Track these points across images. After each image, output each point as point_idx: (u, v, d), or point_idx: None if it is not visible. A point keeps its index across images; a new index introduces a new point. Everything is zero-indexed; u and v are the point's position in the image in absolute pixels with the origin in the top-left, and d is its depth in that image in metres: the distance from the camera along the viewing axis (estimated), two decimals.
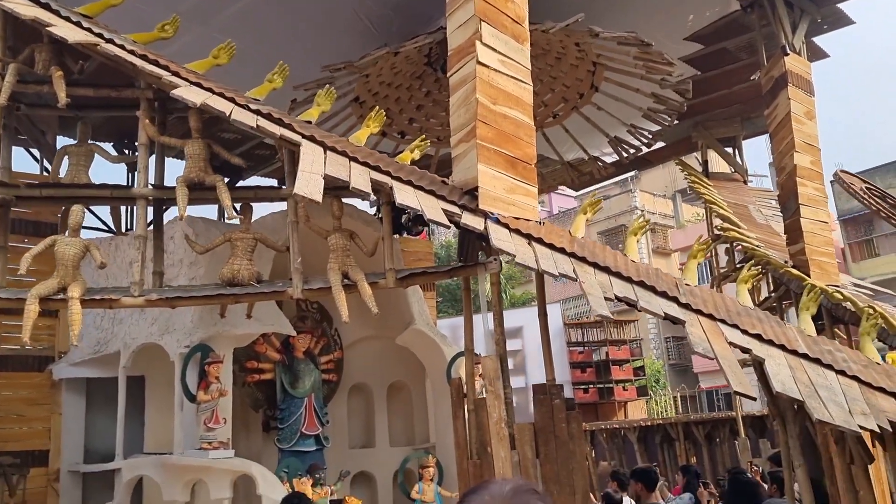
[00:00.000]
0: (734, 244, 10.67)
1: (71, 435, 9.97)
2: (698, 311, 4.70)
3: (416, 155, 5.73)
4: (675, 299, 4.74)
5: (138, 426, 9.65)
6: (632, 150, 10.35)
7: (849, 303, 7.50)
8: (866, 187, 8.41)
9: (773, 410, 5.17)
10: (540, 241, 4.85)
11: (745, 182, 12.67)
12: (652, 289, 4.76)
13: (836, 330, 7.87)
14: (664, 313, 4.49)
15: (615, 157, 11.38)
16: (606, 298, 4.40)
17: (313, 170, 4.25)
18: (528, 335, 15.45)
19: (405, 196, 4.52)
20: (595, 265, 4.83)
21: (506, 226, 4.87)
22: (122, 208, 7.83)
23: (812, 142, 8.95)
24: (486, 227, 4.72)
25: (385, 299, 11.41)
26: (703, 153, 12.87)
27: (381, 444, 11.43)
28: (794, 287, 8.46)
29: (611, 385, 17.02)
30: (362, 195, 4.39)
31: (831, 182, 11.86)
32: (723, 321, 4.70)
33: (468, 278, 5.52)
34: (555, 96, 9.53)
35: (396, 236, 12.61)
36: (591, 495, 7.15)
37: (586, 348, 17.51)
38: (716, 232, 11.60)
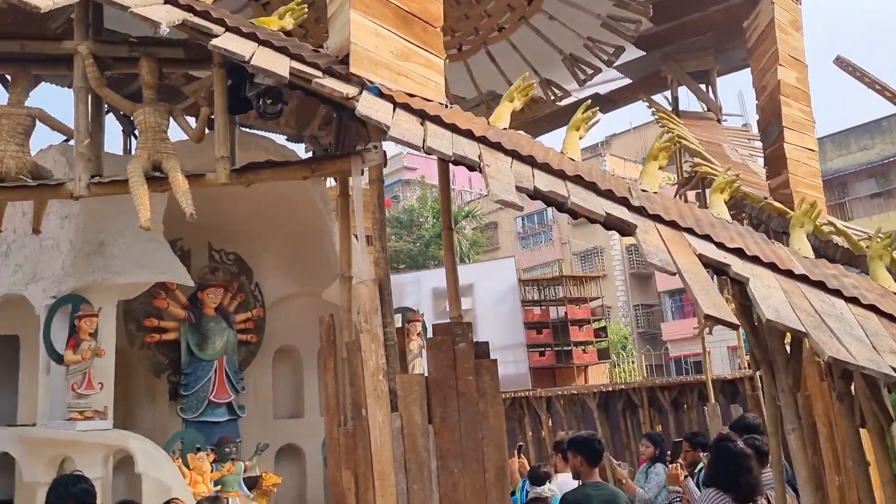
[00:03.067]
0: (706, 182, 9.38)
1: None
2: (656, 217, 3.33)
3: (288, 23, 4.25)
4: (624, 200, 3.35)
5: (12, 394, 8.27)
6: (590, 72, 8.90)
7: (842, 237, 6.24)
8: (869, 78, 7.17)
9: (755, 355, 3.85)
10: (438, 119, 3.43)
11: (718, 121, 11.36)
12: (592, 186, 3.36)
13: None
14: (605, 214, 3.10)
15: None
16: (520, 189, 3.00)
17: None
18: (480, 293, 14.03)
19: (230, 42, 3.06)
20: (515, 154, 3.42)
21: (390, 99, 3.44)
22: None
23: (798, 56, 7.62)
24: (356, 96, 3.28)
25: (315, 251, 10.02)
26: (673, 90, 11.52)
27: (311, 414, 10.34)
28: (773, 225, 7.22)
29: (569, 347, 15.74)
30: (154, 27, 2.94)
31: None
32: (690, 230, 3.33)
33: (345, 181, 4.07)
34: (498, 3, 8.03)
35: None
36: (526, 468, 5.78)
37: (543, 307, 16.18)
38: (686, 172, 10.31)
